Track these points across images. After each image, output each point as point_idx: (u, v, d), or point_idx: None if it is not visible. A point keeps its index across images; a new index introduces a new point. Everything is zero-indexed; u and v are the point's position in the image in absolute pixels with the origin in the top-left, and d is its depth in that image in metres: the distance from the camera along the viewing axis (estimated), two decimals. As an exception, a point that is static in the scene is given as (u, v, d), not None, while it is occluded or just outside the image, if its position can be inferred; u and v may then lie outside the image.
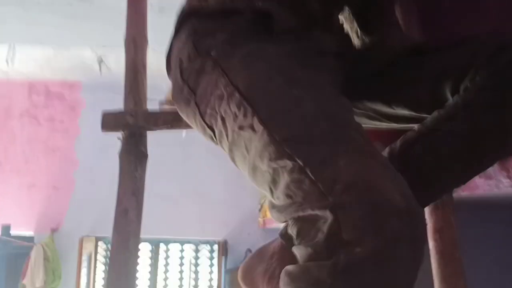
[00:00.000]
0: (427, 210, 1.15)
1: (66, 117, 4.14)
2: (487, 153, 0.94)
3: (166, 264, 4.14)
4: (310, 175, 0.69)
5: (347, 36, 1.15)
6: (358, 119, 1.11)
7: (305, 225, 0.68)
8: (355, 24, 1.30)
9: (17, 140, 4.09)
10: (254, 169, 0.78)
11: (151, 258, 4.11)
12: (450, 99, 0.97)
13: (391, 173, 0.69)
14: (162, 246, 4.14)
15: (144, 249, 4.09)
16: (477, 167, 0.96)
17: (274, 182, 0.74)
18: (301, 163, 0.70)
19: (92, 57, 3.23)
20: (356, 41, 1.31)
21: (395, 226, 0.63)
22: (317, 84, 0.83)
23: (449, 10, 1.48)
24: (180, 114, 1.01)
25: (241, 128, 0.80)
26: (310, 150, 0.71)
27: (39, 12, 1.62)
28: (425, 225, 0.69)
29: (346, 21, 1.32)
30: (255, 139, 0.77)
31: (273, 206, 0.76)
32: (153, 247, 4.12)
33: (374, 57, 1.10)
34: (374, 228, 0.62)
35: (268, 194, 0.77)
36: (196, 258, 4.15)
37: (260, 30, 0.94)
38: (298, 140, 0.73)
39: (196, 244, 4.14)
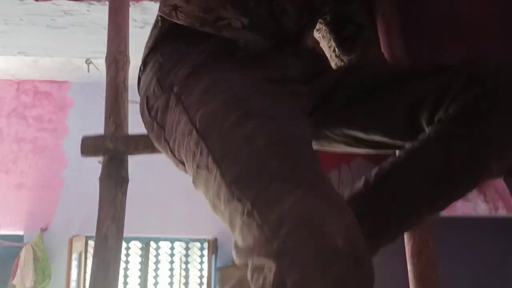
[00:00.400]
0: (406, 233, 1.16)
1: (55, 117, 4.13)
2: (460, 185, 0.95)
3: (157, 262, 4.16)
4: (257, 218, 0.68)
5: (320, 60, 1.14)
6: (333, 144, 1.11)
7: (256, 272, 0.68)
8: (333, 43, 1.31)
9: (5, 139, 4.08)
10: (215, 208, 0.78)
11: (141, 256, 4.13)
12: (426, 129, 0.98)
13: (338, 212, 0.68)
14: (153, 244, 4.16)
15: (135, 247, 4.10)
16: (451, 197, 0.97)
17: (231, 223, 0.74)
18: (249, 205, 0.70)
19: (80, 58, 3.22)
20: (333, 60, 1.32)
21: (337, 272, 0.63)
22: (275, 115, 0.82)
23: (430, 33, 1.49)
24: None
25: (199, 167, 0.80)
26: (258, 191, 0.70)
27: (21, 25, 1.62)
28: (371, 267, 0.69)
29: (324, 39, 1.32)
30: (211, 179, 0.77)
31: (234, 247, 0.75)
32: (144, 245, 4.13)
33: (350, 82, 1.09)
34: (317, 276, 0.63)
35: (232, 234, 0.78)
36: (187, 256, 4.17)
37: (226, 57, 0.94)
38: (247, 180, 0.73)
39: (187, 242, 4.16)
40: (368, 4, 1.34)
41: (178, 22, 0.96)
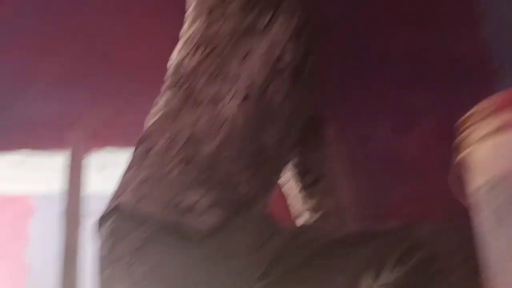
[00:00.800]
0: None
1: (18, 224, 4.05)
2: None
3: None
4: None
5: (269, 224, 1.18)
6: None
7: None
8: (294, 190, 1.37)
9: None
10: None
11: None
12: None
13: None
14: None
15: None
16: None
17: None
18: None
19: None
20: (294, 206, 1.38)
21: None
22: None
23: (377, 176, 1.59)
24: None
25: None
26: None
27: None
28: None
29: (286, 186, 1.39)
30: None
31: None
32: None
33: (293, 251, 1.12)
34: None
35: None
36: None
37: (172, 236, 0.97)
38: None
39: None
40: (325, 154, 1.44)
41: (143, 211, 0.99)
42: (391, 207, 1.53)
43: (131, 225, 0.99)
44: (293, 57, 1.13)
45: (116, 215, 1.02)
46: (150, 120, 1.17)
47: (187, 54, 1.16)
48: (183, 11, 1.26)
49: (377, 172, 1.62)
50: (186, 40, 1.19)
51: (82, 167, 1.45)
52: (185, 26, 1.22)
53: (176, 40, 1.27)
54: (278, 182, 1.24)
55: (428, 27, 1.78)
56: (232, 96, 1.07)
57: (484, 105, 0.91)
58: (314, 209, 1.35)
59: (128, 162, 1.12)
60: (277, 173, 1.21)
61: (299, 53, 1.15)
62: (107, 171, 1.68)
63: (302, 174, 1.36)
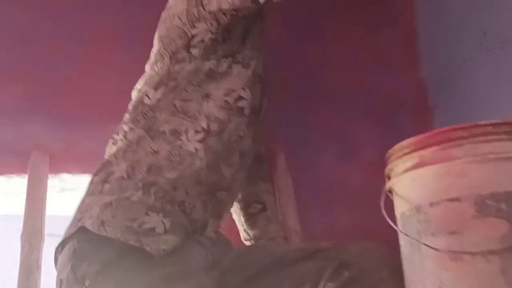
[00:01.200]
0: None
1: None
2: None
3: None
4: None
5: (222, 244, 1.26)
6: None
7: None
8: (242, 218, 1.48)
9: None
10: None
11: None
12: None
13: None
14: None
15: None
16: None
17: None
18: None
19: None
20: (242, 233, 1.48)
21: None
22: None
23: (322, 200, 1.71)
24: None
25: None
26: None
27: None
28: None
29: (235, 214, 1.49)
30: None
31: None
32: None
33: (247, 263, 1.24)
34: None
35: None
36: None
37: (134, 257, 1.04)
38: None
39: None
40: (269, 184, 1.56)
41: (106, 234, 1.05)
42: (334, 232, 1.63)
43: (94, 247, 1.06)
44: (250, 99, 1.25)
45: (79, 237, 1.08)
46: (110, 148, 1.25)
47: (151, 88, 1.25)
48: (149, 46, 1.34)
49: (321, 198, 1.73)
50: (151, 76, 1.27)
51: (42, 189, 1.50)
52: (151, 61, 1.31)
53: (139, 72, 1.34)
54: (230, 209, 1.35)
55: (373, 64, 1.91)
56: (195, 131, 1.17)
57: (406, 143, 1.05)
58: (260, 236, 1.46)
59: (88, 188, 1.19)
60: (230, 202, 1.31)
61: (256, 95, 1.27)
62: (66, 194, 1.74)
63: (248, 204, 1.48)
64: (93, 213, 1.08)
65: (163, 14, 1.33)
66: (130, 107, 1.29)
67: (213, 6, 1.19)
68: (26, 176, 1.55)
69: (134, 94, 1.31)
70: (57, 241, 1.15)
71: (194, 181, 1.15)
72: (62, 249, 1.12)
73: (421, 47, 1.88)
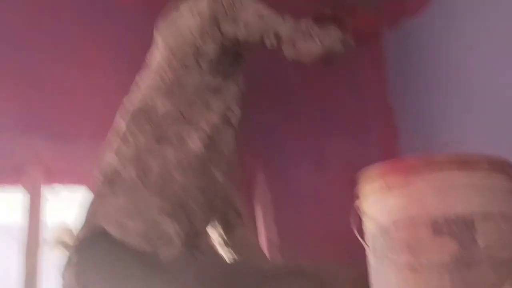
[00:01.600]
0: None
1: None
2: None
3: None
4: None
5: (216, 258, 1.40)
6: None
7: None
8: (221, 231, 1.58)
9: None
10: None
11: None
12: None
13: None
14: None
15: None
16: None
17: None
18: None
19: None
20: (221, 246, 1.58)
21: None
22: None
23: (299, 211, 1.84)
24: None
25: None
26: None
27: None
28: None
29: (214, 230, 1.56)
30: None
31: None
32: None
33: (236, 277, 1.33)
34: None
35: None
36: None
37: (148, 264, 1.14)
38: None
39: None
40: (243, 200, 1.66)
41: (124, 241, 1.15)
42: (310, 242, 1.76)
43: (112, 252, 1.16)
44: (238, 113, 1.40)
45: (98, 242, 1.17)
46: (111, 153, 1.31)
47: (157, 96, 1.34)
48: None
49: (295, 207, 1.85)
50: (157, 83, 1.36)
51: (40, 200, 1.59)
52: (154, 69, 1.40)
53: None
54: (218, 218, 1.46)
55: (346, 83, 2.06)
56: (197, 136, 1.29)
57: (373, 168, 1.21)
58: (237, 242, 1.55)
59: (94, 190, 1.27)
60: (219, 210, 1.42)
61: (242, 109, 1.42)
62: (63, 204, 1.81)
63: (226, 219, 1.54)
64: (111, 217, 1.18)
65: (168, 19, 1.44)
66: (127, 114, 1.36)
67: (230, 33, 1.35)
68: (25, 187, 1.62)
69: (132, 101, 1.39)
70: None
71: (197, 186, 1.26)
72: (78, 253, 1.20)
73: (390, 71, 2.04)
